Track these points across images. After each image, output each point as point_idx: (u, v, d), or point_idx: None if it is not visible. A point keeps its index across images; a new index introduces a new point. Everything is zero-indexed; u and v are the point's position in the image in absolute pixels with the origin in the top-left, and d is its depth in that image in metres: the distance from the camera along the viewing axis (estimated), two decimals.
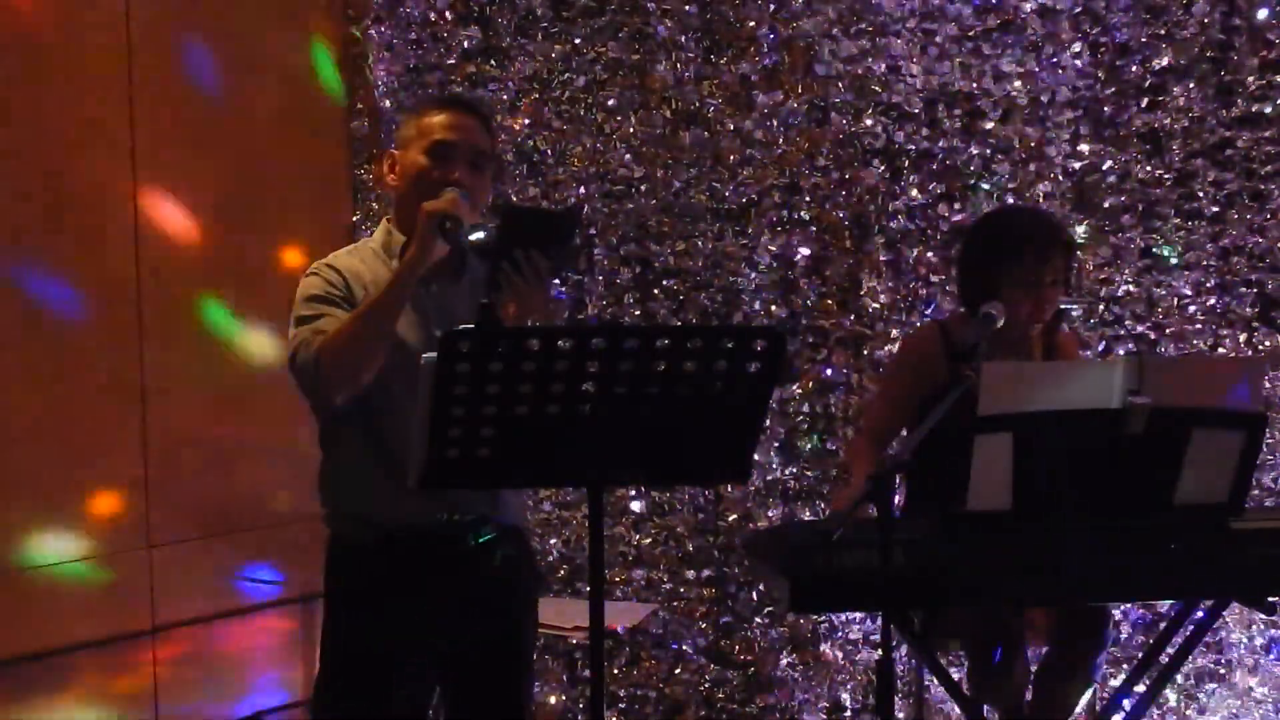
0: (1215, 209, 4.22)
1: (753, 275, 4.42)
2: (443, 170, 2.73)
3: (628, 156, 4.46)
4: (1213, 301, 4.23)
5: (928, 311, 4.31)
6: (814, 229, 4.41)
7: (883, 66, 4.33)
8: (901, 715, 3.64)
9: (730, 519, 4.44)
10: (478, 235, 2.64)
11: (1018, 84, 4.27)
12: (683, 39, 4.42)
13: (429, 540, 2.72)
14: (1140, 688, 3.17)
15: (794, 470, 4.41)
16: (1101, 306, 4.27)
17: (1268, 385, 4.11)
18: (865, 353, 4.37)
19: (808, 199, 4.40)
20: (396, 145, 2.84)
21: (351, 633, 2.76)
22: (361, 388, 2.60)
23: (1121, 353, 4.22)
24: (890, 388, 3.57)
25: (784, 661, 4.41)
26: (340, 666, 2.77)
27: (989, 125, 4.30)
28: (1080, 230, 4.26)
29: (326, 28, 4.52)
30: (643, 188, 4.46)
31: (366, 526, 2.73)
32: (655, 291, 4.46)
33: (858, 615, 4.30)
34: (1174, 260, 4.24)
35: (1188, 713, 4.22)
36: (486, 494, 2.75)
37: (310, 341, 2.62)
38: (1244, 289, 4.21)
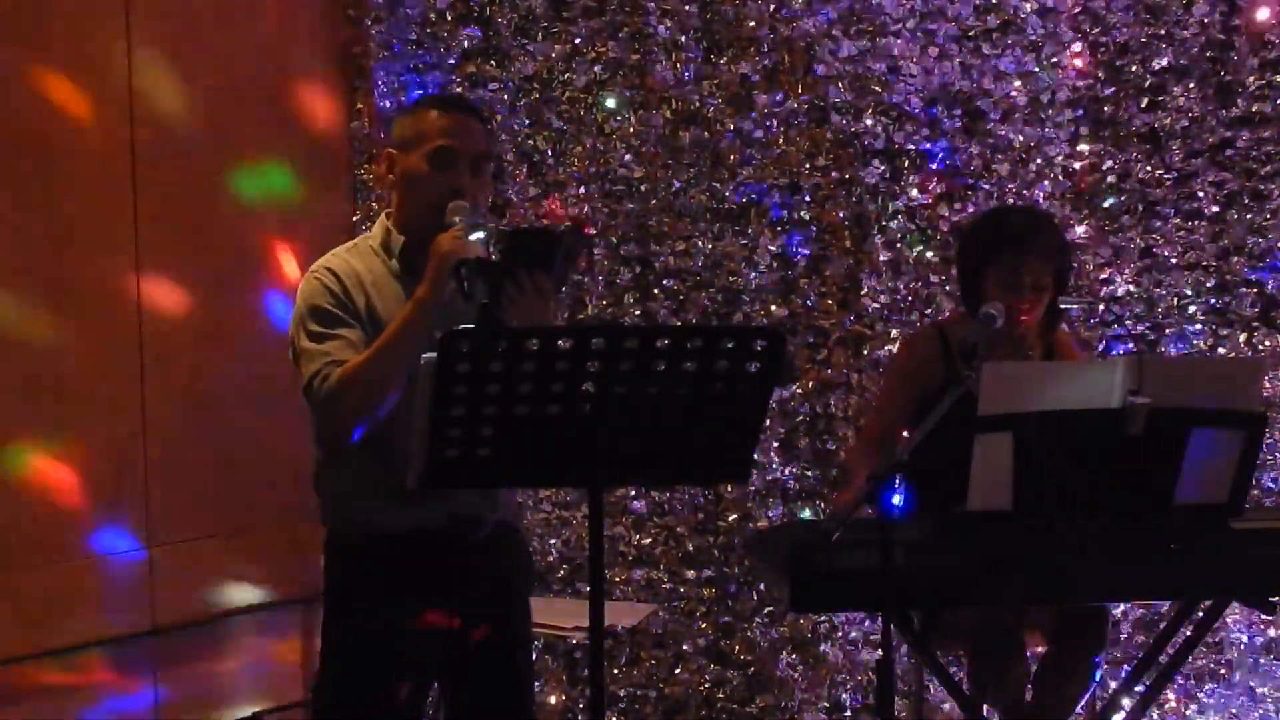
0: (1215, 209, 4.21)
1: (753, 275, 4.42)
2: (445, 178, 2.72)
3: (628, 156, 4.46)
4: (1213, 301, 4.22)
5: (928, 311, 4.31)
6: (814, 229, 4.41)
7: (883, 66, 4.32)
8: (901, 715, 3.64)
9: (730, 519, 4.44)
10: (477, 236, 2.64)
11: (1018, 84, 4.27)
12: (683, 39, 4.42)
13: (426, 539, 2.72)
14: (1140, 688, 3.17)
15: (794, 470, 4.41)
16: (1101, 306, 4.27)
17: (1268, 385, 4.10)
18: (865, 353, 4.37)
19: (808, 199, 4.40)
20: (394, 144, 2.82)
21: (349, 630, 2.77)
22: (379, 421, 2.61)
23: (1121, 353, 4.22)
24: (888, 392, 3.58)
25: (784, 661, 4.40)
26: (339, 664, 2.78)
27: (989, 125, 4.30)
28: (1080, 230, 4.26)
29: (327, 28, 4.52)
30: (643, 188, 4.46)
31: (363, 525, 2.74)
32: (655, 291, 4.46)
33: (858, 615, 4.30)
34: (1174, 260, 4.24)
35: (1188, 713, 4.22)
36: (484, 493, 2.75)
37: (327, 375, 2.62)
38: (1244, 289, 4.21)
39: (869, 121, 4.35)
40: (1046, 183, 4.28)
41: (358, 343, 2.67)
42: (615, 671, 4.45)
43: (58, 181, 3.75)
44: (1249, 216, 4.19)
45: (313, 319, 2.70)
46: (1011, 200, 4.27)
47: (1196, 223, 4.22)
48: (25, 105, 3.69)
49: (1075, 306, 4.22)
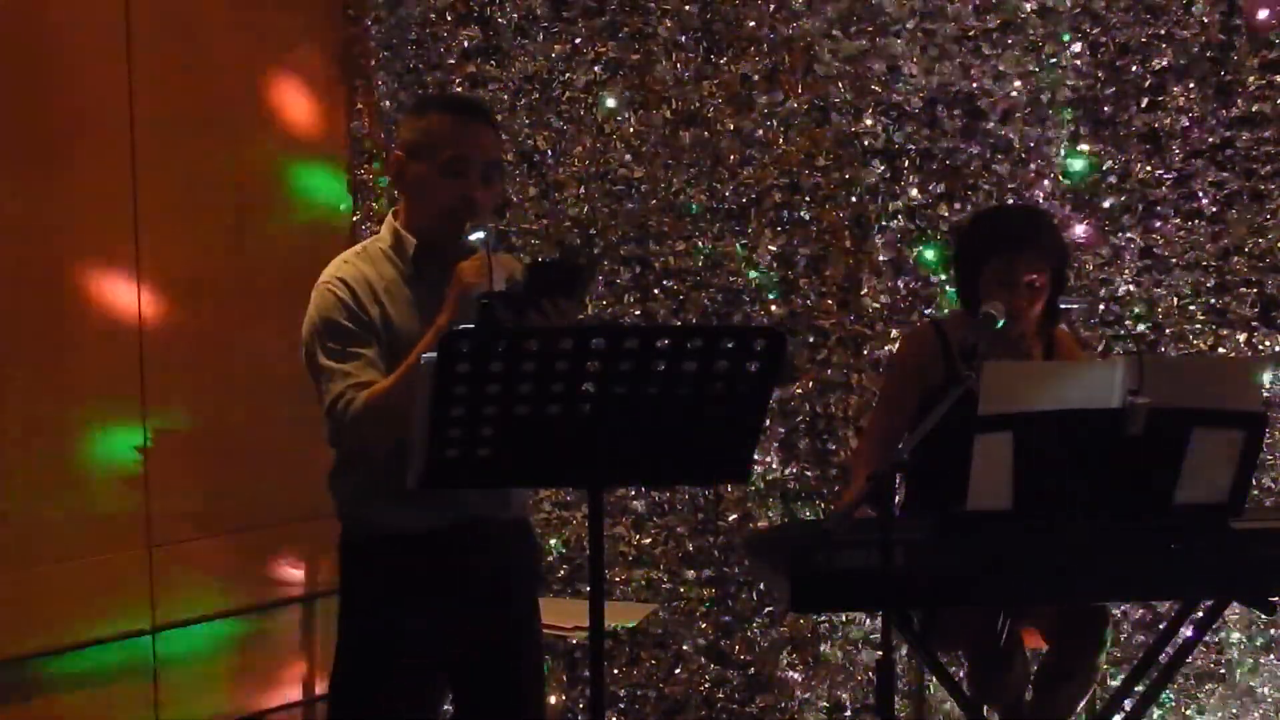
0: (1215, 209, 4.21)
1: (753, 275, 4.42)
2: (457, 186, 2.71)
3: (628, 156, 4.46)
4: (1213, 301, 4.22)
5: (928, 311, 4.31)
6: (814, 229, 4.41)
7: (883, 66, 4.32)
8: (902, 715, 3.64)
9: (730, 519, 4.44)
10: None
11: (1018, 84, 4.27)
12: (683, 39, 4.42)
13: (439, 539, 2.73)
14: (1140, 688, 3.17)
15: (794, 470, 4.41)
16: (1101, 306, 4.27)
17: (1268, 385, 4.10)
18: (865, 353, 4.37)
19: (808, 199, 4.40)
20: (402, 148, 2.80)
21: (362, 629, 2.78)
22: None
23: (1121, 353, 4.22)
24: (889, 392, 3.58)
25: (784, 661, 4.41)
26: (351, 662, 2.80)
27: (989, 125, 4.30)
28: (1080, 230, 4.26)
29: (326, 28, 4.52)
30: (643, 188, 4.46)
31: (377, 525, 2.75)
32: (655, 291, 4.46)
33: (858, 615, 4.30)
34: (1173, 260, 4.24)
35: (1187, 713, 4.22)
36: (496, 492, 2.76)
37: (351, 399, 2.62)
38: (1244, 289, 4.21)
39: (869, 121, 4.35)
40: (1046, 182, 4.28)
41: (376, 359, 2.67)
42: (615, 671, 4.45)
43: (64, 186, 3.75)
44: (1249, 216, 4.19)
45: (330, 335, 2.68)
46: (1011, 200, 4.27)
47: (1196, 223, 4.22)
48: None
49: (1075, 306, 4.23)
